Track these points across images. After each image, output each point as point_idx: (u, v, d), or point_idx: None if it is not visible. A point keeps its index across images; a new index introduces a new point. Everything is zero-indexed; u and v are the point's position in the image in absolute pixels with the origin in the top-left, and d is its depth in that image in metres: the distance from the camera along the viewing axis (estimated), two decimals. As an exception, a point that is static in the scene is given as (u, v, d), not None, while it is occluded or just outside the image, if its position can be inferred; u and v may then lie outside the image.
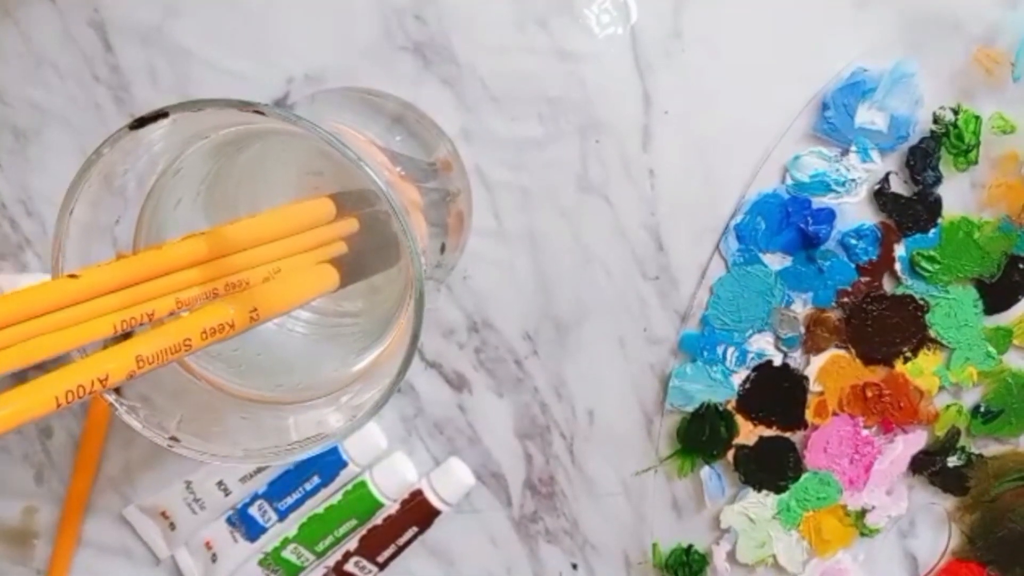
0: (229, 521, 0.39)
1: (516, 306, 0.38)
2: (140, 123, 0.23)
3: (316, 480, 0.39)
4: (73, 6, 0.36)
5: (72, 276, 0.21)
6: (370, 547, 0.39)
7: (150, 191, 0.27)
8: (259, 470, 0.39)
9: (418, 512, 0.38)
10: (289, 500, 0.39)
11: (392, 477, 0.39)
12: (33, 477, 0.41)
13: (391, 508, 0.39)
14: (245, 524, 0.39)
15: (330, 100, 0.35)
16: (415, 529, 0.39)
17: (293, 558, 0.39)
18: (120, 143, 0.23)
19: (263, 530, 0.39)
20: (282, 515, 0.39)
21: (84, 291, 0.21)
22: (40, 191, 0.38)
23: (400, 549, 0.39)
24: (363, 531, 0.39)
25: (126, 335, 0.22)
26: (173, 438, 0.26)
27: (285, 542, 0.39)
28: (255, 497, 0.39)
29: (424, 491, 0.38)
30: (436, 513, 0.38)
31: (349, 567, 0.39)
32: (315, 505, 0.39)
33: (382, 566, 0.39)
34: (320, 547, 0.39)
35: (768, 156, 0.36)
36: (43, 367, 0.20)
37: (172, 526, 0.39)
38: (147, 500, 0.40)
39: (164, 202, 0.27)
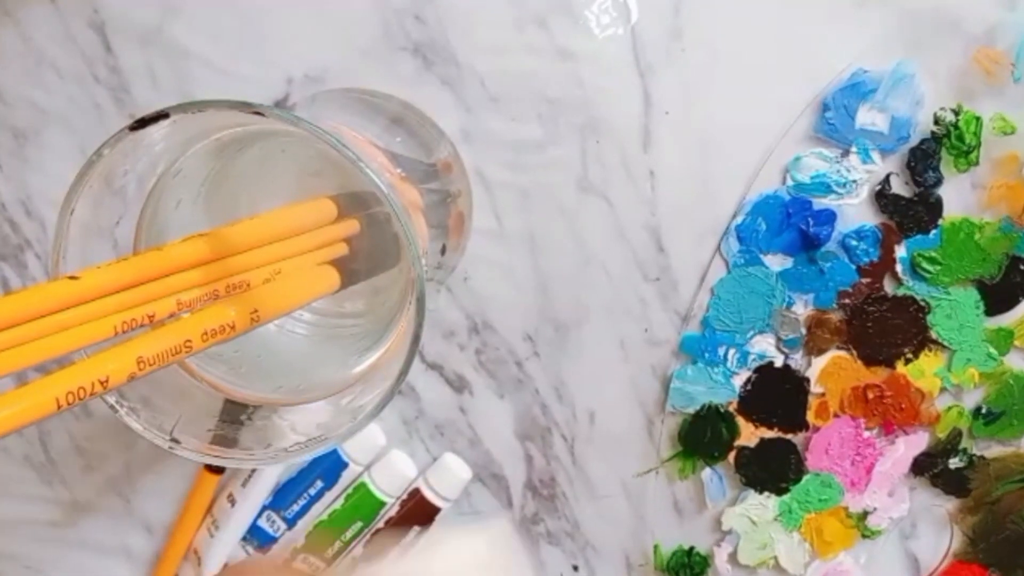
0: (241, 536, 0.39)
1: (516, 307, 0.38)
2: (140, 124, 0.23)
3: (320, 484, 0.39)
4: (73, 7, 0.36)
5: (72, 277, 0.21)
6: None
7: (150, 192, 0.27)
8: (255, 472, 0.39)
9: (418, 512, 0.38)
10: (296, 507, 0.39)
11: (390, 474, 0.39)
12: (36, 480, 0.41)
13: (392, 510, 0.39)
14: (256, 536, 0.39)
15: (330, 101, 0.35)
16: (417, 529, 0.39)
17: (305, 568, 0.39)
18: (120, 144, 0.23)
19: (273, 540, 0.39)
20: (291, 523, 0.39)
21: (84, 292, 0.21)
22: (40, 192, 0.38)
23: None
24: (366, 536, 0.39)
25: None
26: (174, 440, 0.26)
27: (295, 554, 0.39)
28: (262, 509, 0.39)
29: (422, 489, 0.38)
30: (436, 511, 0.38)
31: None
32: (323, 509, 0.39)
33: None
34: (329, 553, 0.39)
35: (769, 157, 0.36)
36: (44, 369, 0.20)
37: (199, 560, 0.39)
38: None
39: (164, 203, 0.27)
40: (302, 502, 0.39)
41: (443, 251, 0.33)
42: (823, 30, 0.35)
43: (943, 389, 0.38)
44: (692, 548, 0.40)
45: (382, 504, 0.39)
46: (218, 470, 0.39)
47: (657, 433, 0.39)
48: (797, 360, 0.38)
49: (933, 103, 0.35)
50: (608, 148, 0.36)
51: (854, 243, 0.36)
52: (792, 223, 0.36)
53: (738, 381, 0.38)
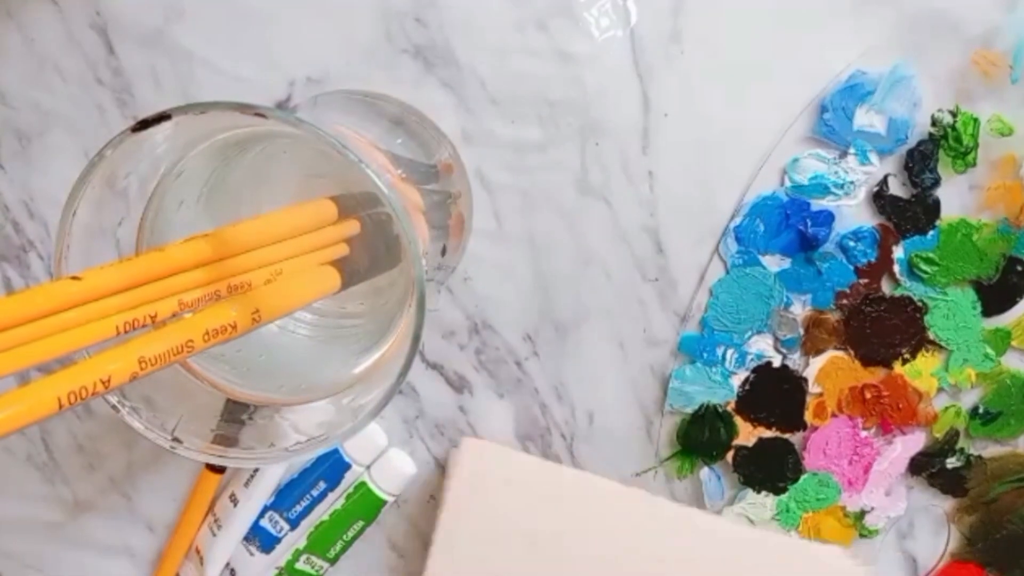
0: (243, 536, 0.40)
1: (516, 308, 0.38)
2: (142, 125, 0.23)
3: (323, 486, 0.39)
4: (76, 9, 0.36)
5: (75, 278, 0.21)
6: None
7: (152, 193, 0.27)
8: (258, 471, 0.39)
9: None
10: (299, 508, 0.39)
11: (390, 472, 0.39)
12: (38, 479, 0.41)
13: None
14: (259, 537, 0.39)
15: (331, 103, 0.35)
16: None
17: (307, 568, 0.39)
18: (122, 145, 0.23)
19: (277, 540, 0.39)
20: (294, 523, 0.39)
21: (87, 293, 0.21)
22: (43, 193, 0.38)
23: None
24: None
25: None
26: (175, 439, 0.26)
27: (297, 554, 0.39)
28: (264, 509, 0.39)
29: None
30: (381, 503, 0.39)
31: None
32: (325, 510, 0.39)
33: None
34: (332, 553, 0.39)
35: (767, 158, 0.36)
36: (46, 368, 0.20)
37: (201, 560, 0.40)
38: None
39: (167, 204, 0.28)
40: (305, 503, 0.39)
41: (443, 252, 0.34)
42: (821, 32, 0.35)
43: (940, 389, 0.38)
44: (691, 547, 0.40)
45: (383, 502, 0.39)
46: (219, 469, 0.39)
47: (656, 433, 0.39)
48: (795, 360, 0.38)
49: (931, 105, 0.35)
50: (608, 150, 0.36)
51: (852, 244, 0.36)
52: (790, 224, 0.36)
53: (736, 381, 0.38)
